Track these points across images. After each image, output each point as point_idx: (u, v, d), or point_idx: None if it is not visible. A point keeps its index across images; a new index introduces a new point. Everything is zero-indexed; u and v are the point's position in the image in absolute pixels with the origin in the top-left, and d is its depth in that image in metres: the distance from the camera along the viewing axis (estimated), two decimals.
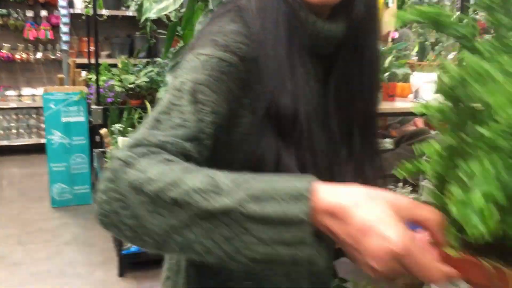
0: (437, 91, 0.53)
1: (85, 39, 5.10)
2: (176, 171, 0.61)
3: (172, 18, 2.48)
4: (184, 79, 0.74)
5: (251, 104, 0.79)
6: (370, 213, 0.54)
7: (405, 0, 3.04)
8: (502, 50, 0.52)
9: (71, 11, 4.88)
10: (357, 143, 0.89)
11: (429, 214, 0.57)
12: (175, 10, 1.94)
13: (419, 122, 2.99)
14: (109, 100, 3.64)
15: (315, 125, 0.83)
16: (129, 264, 2.91)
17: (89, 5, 4.09)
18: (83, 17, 4.30)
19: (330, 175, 0.85)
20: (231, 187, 0.58)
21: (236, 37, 0.78)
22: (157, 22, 4.34)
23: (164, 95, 0.75)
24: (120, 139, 3.01)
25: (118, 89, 3.70)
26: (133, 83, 3.71)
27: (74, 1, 4.93)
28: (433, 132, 3.08)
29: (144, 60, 4.43)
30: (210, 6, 1.81)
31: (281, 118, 0.79)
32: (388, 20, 3.12)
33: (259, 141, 0.79)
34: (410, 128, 2.84)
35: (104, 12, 4.35)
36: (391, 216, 0.54)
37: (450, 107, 0.54)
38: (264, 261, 0.58)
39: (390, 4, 3.15)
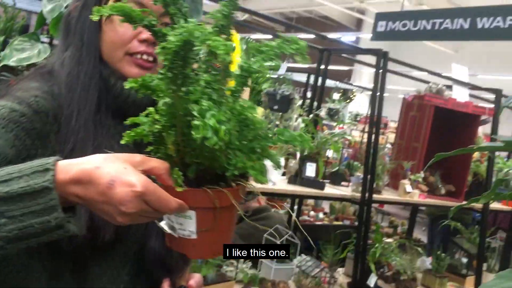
0: (162, 58, 0.64)
1: None
2: None
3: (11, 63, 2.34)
4: None
5: (49, 155, 0.83)
6: (111, 170, 0.63)
7: None
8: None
9: None
10: None
11: (157, 163, 0.68)
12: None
13: (262, 200, 3.16)
14: None
15: None
16: None
17: None
18: None
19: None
20: None
21: (35, 92, 0.86)
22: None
23: None
24: None
25: None
26: None
27: None
28: (273, 210, 3.27)
29: None
30: None
31: None
32: None
33: None
34: (254, 205, 2.98)
35: None
36: (129, 167, 0.64)
37: (167, 75, 0.67)
38: (19, 238, 0.62)
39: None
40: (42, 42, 1.73)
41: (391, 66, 3.06)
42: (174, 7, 0.72)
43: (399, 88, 9.94)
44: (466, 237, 3.73)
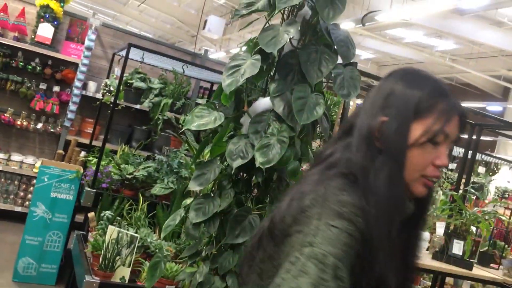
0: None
1: (89, 120, 5.27)
2: None
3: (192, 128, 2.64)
4: (324, 252, 0.86)
5: (360, 271, 0.91)
6: None
7: None
8: None
9: (84, 92, 5.10)
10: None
11: None
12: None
13: None
14: (104, 185, 3.68)
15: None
16: None
17: (107, 94, 4.29)
18: (98, 103, 4.47)
19: None
20: None
21: (354, 210, 0.91)
22: (166, 121, 4.54)
23: (304, 261, 0.87)
24: (110, 228, 3.00)
25: (115, 176, 3.76)
26: (131, 173, 3.77)
27: (89, 85, 5.17)
28: None
29: (143, 153, 4.54)
30: (243, 131, 1.98)
31: None
32: None
33: None
34: None
35: (119, 102, 4.54)
36: None
37: None
38: None
39: None
40: (218, 111, 1.96)
41: None
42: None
43: None
44: None
